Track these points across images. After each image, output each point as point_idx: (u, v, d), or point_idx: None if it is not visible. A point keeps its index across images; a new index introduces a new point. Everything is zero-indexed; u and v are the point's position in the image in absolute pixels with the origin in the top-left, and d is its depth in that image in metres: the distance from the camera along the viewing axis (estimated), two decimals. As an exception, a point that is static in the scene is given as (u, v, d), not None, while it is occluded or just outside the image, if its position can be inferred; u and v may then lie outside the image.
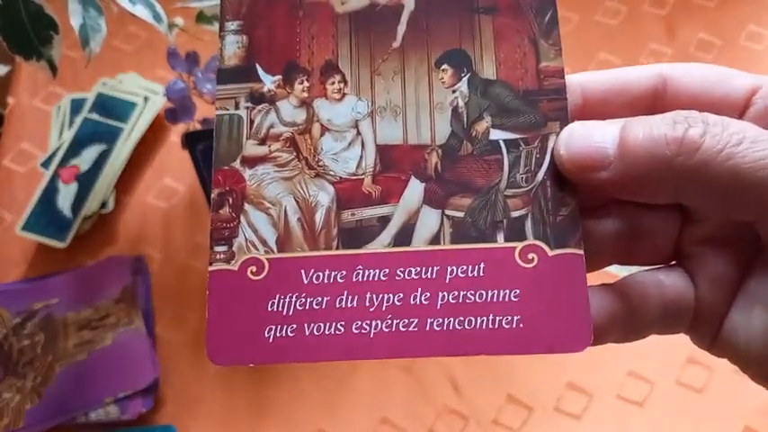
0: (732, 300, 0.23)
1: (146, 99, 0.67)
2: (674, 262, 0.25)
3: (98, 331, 0.56)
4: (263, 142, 0.23)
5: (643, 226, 0.24)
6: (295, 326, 0.21)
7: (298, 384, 0.55)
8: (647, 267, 0.25)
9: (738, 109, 0.22)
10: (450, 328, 0.21)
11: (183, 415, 0.54)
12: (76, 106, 0.68)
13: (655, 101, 0.23)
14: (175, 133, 0.68)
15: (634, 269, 0.25)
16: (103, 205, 0.63)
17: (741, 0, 0.75)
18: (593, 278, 0.23)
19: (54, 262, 0.61)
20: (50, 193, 0.62)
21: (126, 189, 0.65)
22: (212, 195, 0.23)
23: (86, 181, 0.63)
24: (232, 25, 0.24)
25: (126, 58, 0.74)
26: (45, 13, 0.45)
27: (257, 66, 0.23)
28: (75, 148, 0.64)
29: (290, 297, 0.21)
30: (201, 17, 0.51)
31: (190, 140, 0.54)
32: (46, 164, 0.64)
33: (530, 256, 0.21)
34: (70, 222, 0.61)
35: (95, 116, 0.66)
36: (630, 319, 0.23)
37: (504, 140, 0.22)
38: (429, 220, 0.22)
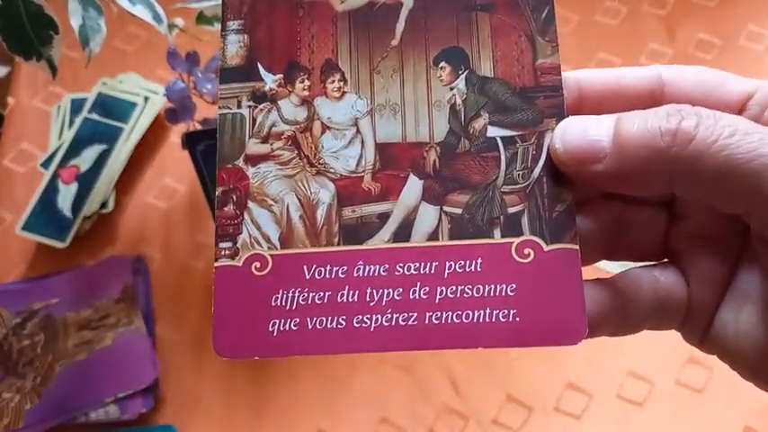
0: (722, 296, 0.24)
1: (146, 99, 0.67)
2: (666, 260, 0.25)
3: (98, 331, 0.56)
4: (265, 140, 0.23)
5: (629, 221, 0.25)
6: (298, 320, 0.21)
7: (298, 384, 0.55)
8: (640, 264, 0.25)
9: (733, 113, 0.22)
10: (449, 321, 0.21)
11: (183, 415, 0.54)
12: (76, 106, 0.68)
13: (651, 103, 0.23)
14: (175, 133, 0.68)
15: (628, 266, 0.25)
16: (103, 205, 0.63)
17: (741, 0, 0.75)
18: (587, 273, 0.23)
19: (54, 262, 0.61)
20: (50, 193, 0.62)
21: (126, 189, 0.65)
22: (217, 193, 0.23)
23: (86, 181, 0.63)
24: (234, 24, 0.24)
25: (126, 58, 0.74)
26: (45, 13, 0.45)
27: (259, 65, 0.24)
28: (76, 148, 0.64)
29: (293, 292, 0.22)
30: (201, 18, 0.51)
31: (190, 140, 0.54)
32: (46, 164, 0.64)
33: (526, 251, 0.22)
34: (70, 222, 0.61)
35: (95, 116, 0.66)
36: (624, 314, 0.24)
37: (501, 137, 0.23)
38: (428, 217, 0.22)
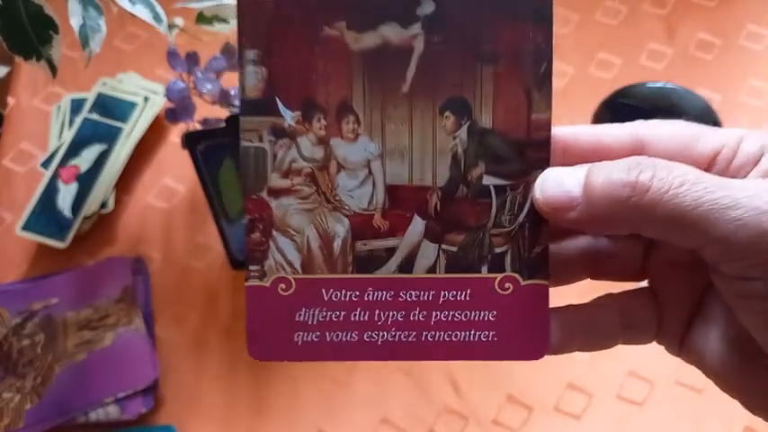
0: (693, 318, 0.27)
1: (146, 99, 0.67)
2: (640, 282, 0.28)
3: (98, 331, 0.56)
4: (285, 176, 0.25)
5: (610, 249, 0.28)
6: (318, 333, 0.25)
7: (297, 384, 0.55)
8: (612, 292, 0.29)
9: (703, 167, 0.25)
10: (440, 339, 0.25)
11: (183, 415, 0.54)
12: (76, 106, 0.68)
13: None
14: (175, 133, 0.68)
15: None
16: (103, 205, 0.63)
17: (741, 0, 0.75)
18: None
19: (54, 262, 0.61)
20: (50, 193, 0.62)
21: (126, 189, 0.65)
22: (245, 221, 0.25)
23: (86, 181, 0.63)
24: (251, 54, 0.25)
25: (126, 58, 0.74)
26: (45, 13, 0.45)
27: (278, 100, 0.25)
28: (76, 148, 0.64)
29: (314, 310, 0.25)
30: (201, 18, 0.51)
31: (190, 140, 0.54)
32: (46, 164, 0.64)
33: (506, 285, 0.26)
34: (70, 222, 0.61)
35: (95, 116, 0.66)
36: (591, 335, 0.27)
37: (494, 186, 0.25)
38: (428, 253, 0.26)
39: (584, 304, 0.28)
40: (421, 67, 0.25)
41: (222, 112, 0.55)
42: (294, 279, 0.25)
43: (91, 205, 0.62)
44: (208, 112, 0.57)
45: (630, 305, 0.27)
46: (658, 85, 0.58)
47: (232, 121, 0.52)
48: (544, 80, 0.25)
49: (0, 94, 0.76)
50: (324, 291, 0.25)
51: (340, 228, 0.26)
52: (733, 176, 0.25)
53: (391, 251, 0.26)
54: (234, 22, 0.51)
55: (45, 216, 0.62)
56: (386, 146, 0.25)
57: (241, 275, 0.60)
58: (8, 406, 0.53)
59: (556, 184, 0.25)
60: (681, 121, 0.26)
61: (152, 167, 0.67)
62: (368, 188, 0.26)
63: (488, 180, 0.25)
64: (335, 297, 0.25)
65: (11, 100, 0.73)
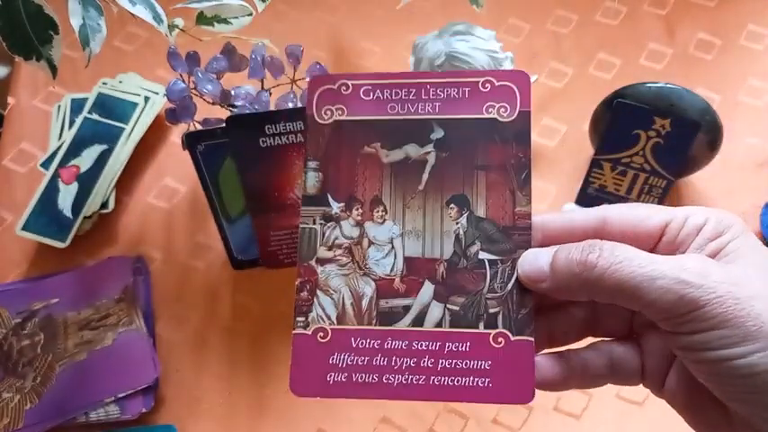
0: (668, 368, 0.32)
1: (146, 99, 0.67)
2: (626, 336, 0.34)
3: (98, 331, 0.56)
4: (330, 249, 0.33)
5: (603, 313, 0.34)
6: (346, 374, 0.31)
7: (298, 384, 0.55)
8: (601, 339, 0.34)
9: (654, 240, 0.31)
10: (445, 384, 0.31)
11: (183, 415, 0.54)
12: (76, 106, 0.68)
13: (596, 236, 0.31)
14: (176, 133, 0.68)
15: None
16: (104, 205, 0.63)
17: (741, 0, 0.75)
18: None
19: (54, 262, 0.62)
20: (51, 193, 0.62)
21: (126, 189, 0.66)
22: (296, 282, 0.33)
23: (87, 181, 0.63)
24: (312, 164, 0.34)
25: (126, 58, 0.74)
26: (45, 13, 0.45)
27: (329, 196, 0.34)
28: (76, 147, 0.64)
29: (344, 355, 0.32)
30: (202, 18, 0.51)
31: (190, 141, 0.54)
32: (46, 164, 0.64)
33: (499, 339, 0.31)
34: (70, 222, 0.61)
35: (96, 116, 0.66)
36: (577, 377, 0.32)
37: (488, 260, 0.32)
38: (436, 311, 0.32)
39: (573, 352, 0.33)
40: (432, 173, 0.33)
41: (222, 113, 0.55)
42: (330, 329, 0.32)
43: (91, 205, 0.62)
44: (208, 112, 0.57)
45: (615, 354, 0.33)
46: (658, 85, 0.58)
47: (232, 121, 0.52)
48: (525, 183, 0.33)
49: (0, 94, 0.76)
50: (353, 339, 0.32)
51: (368, 289, 0.33)
52: (681, 243, 0.30)
53: (407, 308, 0.32)
54: (234, 23, 0.51)
55: (45, 216, 0.62)
56: (405, 228, 0.33)
57: (241, 275, 0.60)
58: (8, 406, 0.53)
59: (531, 261, 0.31)
60: (638, 203, 0.32)
61: (152, 167, 0.67)
62: (390, 259, 0.33)
63: (483, 255, 0.32)
64: (361, 345, 0.32)
65: (11, 100, 0.73)
